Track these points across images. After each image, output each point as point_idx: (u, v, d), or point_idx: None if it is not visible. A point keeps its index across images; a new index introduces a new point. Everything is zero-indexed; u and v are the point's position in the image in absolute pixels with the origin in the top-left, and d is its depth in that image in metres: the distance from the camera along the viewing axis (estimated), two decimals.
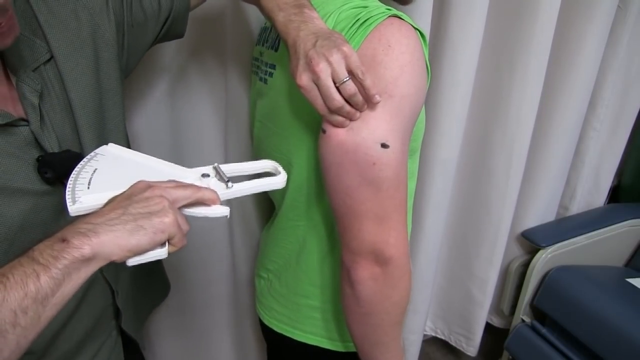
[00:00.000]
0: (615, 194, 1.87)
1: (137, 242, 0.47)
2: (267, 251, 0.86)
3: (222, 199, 0.56)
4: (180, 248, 0.52)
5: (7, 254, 0.56)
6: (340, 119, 0.57)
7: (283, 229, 0.80)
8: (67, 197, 0.51)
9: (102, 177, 0.55)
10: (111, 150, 0.61)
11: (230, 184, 0.57)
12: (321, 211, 0.73)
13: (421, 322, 1.57)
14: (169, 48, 1.02)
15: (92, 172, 0.56)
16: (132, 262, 0.49)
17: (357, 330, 0.68)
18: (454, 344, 1.70)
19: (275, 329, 0.83)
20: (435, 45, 1.26)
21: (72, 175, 0.54)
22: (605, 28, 1.40)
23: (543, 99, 1.38)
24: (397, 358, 0.70)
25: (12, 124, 0.56)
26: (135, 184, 0.53)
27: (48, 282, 0.43)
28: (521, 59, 1.28)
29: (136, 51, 0.76)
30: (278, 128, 0.73)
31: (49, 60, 0.61)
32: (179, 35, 0.84)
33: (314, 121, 0.65)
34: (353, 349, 0.73)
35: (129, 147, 0.73)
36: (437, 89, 1.28)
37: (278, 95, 0.71)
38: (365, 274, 0.62)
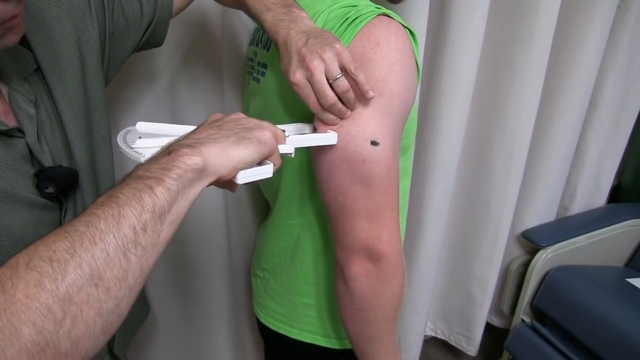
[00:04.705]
0: (615, 194, 1.87)
1: (245, 151, 0.45)
2: (263, 250, 0.87)
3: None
4: (277, 166, 0.50)
5: None
6: (331, 117, 0.58)
7: (277, 227, 0.81)
8: (133, 155, 0.49)
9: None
10: (142, 127, 0.58)
11: (286, 132, 0.56)
12: (314, 209, 0.74)
13: (422, 323, 1.57)
14: (161, 54, 1.02)
15: (138, 137, 0.54)
16: (242, 178, 0.46)
17: (352, 326, 0.68)
18: (454, 344, 1.70)
19: (272, 327, 0.84)
20: (436, 45, 1.26)
21: (120, 142, 0.52)
22: (606, 28, 1.40)
23: (543, 99, 1.38)
24: (392, 354, 0.70)
25: (9, 135, 0.53)
26: (210, 116, 0.51)
27: (164, 194, 0.39)
28: (521, 59, 1.29)
29: (116, 60, 0.73)
30: None
31: (35, 70, 0.58)
32: (159, 44, 0.81)
33: (306, 119, 0.65)
34: (349, 346, 0.73)
35: (113, 160, 0.72)
36: (438, 90, 1.28)
37: (270, 94, 0.72)
38: (358, 270, 0.62)
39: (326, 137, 0.59)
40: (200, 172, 0.42)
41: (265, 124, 0.51)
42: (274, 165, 0.50)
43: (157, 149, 0.49)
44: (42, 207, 0.57)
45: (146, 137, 0.54)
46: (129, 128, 0.57)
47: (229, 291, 1.30)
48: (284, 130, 0.56)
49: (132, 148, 0.51)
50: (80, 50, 0.63)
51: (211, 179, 0.44)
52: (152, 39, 0.78)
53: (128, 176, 0.41)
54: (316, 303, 0.78)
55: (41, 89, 0.59)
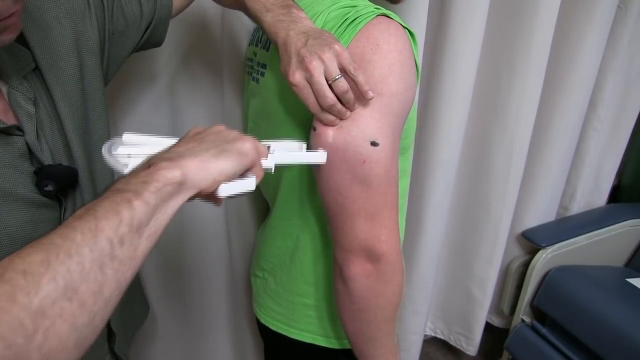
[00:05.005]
0: (615, 194, 1.86)
1: (226, 163, 0.45)
2: (262, 250, 0.86)
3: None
4: (259, 179, 0.50)
5: None
6: (331, 117, 0.58)
7: (277, 227, 0.81)
8: (113, 164, 0.49)
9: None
10: (128, 138, 0.57)
11: (271, 149, 0.55)
12: (314, 210, 0.74)
13: (422, 323, 1.57)
14: (161, 54, 1.02)
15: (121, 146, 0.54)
16: (223, 191, 0.46)
17: (351, 326, 0.68)
18: (453, 344, 1.70)
19: (271, 327, 0.84)
20: (435, 45, 1.26)
21: (104, 152, 0.51)
22: (605, 28, 1.40)
23: (543, 98, 1.38)
24: (391, 354, 0.70)
25: (8, 132, 0.54)
26: (192, 128, 0.51)
27: (142, 207, 0.39)
28: (521, 59, 1.29)
29: (116, 60, 0.73)
30: (270, 127, 0.74)
31: (34, 69, 0.59)
32: (158, 44, 0.81)
33: (305, 120, 0.65)
34: (348, 346, 0.73)
35: None
36: (437, 89, 1.28)
37: (269, 95, 0.72)
38: (357, 270, 0.62)
39: (314, 156, 0.58)
40: (180, 185, 0.42)
41: (247, 136, 0.50)
42: (256, 177, 0.49)
43: (137, 157, 0.49)
44: (41, 205, 0.57)
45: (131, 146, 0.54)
46: (115, 139, 0.57)
47: (229, 291, 1.30)
48: (269, 147, 0.55)
49: (113, 156, 0.51)
50: (79, 50, 0.63)
51: (191, 192, 0.44)
52: (151, 39, 0.78)
53: (108, 189, 0.41)
54: (315, 303, 0.78)
55: (40, 88, 0.59)
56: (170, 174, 0.41)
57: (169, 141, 0.55)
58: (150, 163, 0.42)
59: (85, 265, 0.35)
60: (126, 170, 0.47)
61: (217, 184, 0.45)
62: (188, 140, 0.48)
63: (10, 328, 0.31)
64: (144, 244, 0.40)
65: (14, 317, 0.31)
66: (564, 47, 1.39)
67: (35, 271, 0.33)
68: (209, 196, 0.47)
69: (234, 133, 0.49)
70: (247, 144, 0.48)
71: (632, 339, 1.25)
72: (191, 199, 0.44)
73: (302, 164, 0.59)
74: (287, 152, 0.58)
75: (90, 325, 0.36)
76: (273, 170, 0.54)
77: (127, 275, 0.39)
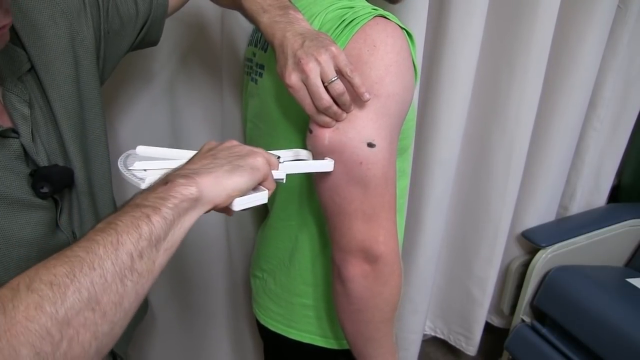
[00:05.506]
0: (616, 194, 1.86)
1: (240, 179, 0.47)
2: (262, 251, 0.87)
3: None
4: (272, 192, 0.52)
5: (6, 271, 0.54)
6: (327, 119, 0.58)
7: (276, 228, 0.81)
8: (130, 179, 0.50)
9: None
10: (142, 150, 0.59)
11: (281, 159, 0.57)
12: (312, 210, 0.74)
13: (421, 322, 1.57)
14: (160, 54, 1.02)
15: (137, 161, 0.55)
16: (237, 205, 0.48)
17: (349, 327, 0.69)
18: (453, 344, 1.70)
19: (270, 328, 0.84)
20: (435, 45, 1.26)
21: (120, 165, 0.53)
22: (605, 28, 1.40)
23: (543, 98, 1.38)
24: (390, 354, 0.70)
25: (3, 135, 0.54)
26: (205, 144, 0.53)
27: (160, 222, 0.41)
28: (520, 59, 1.28)
29: (111, 60, 0.73)
30: (268, 128, 0.74)
31: (29, 70, 0.59)
32: (154, 43, 0.81)
33: (302, 121, 0.66)
34: (347, 346, 0.73)
35: (109, 160, 0.72)
36: (437, 89, 1.28)
37: (267, 96, 0.71)
38: (355, 271, 0.63)
39: (322, 165, 0.59)
40: (196, 201, 0.44)
41: (259, 150, 0.52)
42: (268, 190, 0.51)
43: (153, 171, 0.51)
44: (38, 207, 0.57)
45: (145, 160, 0.55)
46: (129, 152, 0.58)
47: (229, 291, 1.30)
48: (278, 157, 0.57)
49: (129, 170, 0.52)
50: (74, 50, 0.63)
51: (207, 207, 0.45)
52: (147, 38, 0.78)
53: (127, 204, 0.42)
54: (314, 304, 0.78)
55: (35, 89, 0.59)
56: (187, 190, 0.43)
57: (182, 153, 0.56)
58: (167, 180, 0.44)
59: (107, 278, 0.37)
60: (143, 185, 0.49)
61: (231, 199, 0.47)
62: (202, 157, 0.50)
63: (39, 336, 0.33)
64: (161, 257, 0.42)
65: (42, 326, 0.33)
66: (564, 47, 1.39)
67: (61, 282, 0.35)
68: (223, 209, 0.49)
69: (247, 148, 0.51)
70: (259, 159, 0.50)
71: (632, 339, 1.24)
72: (205, 212, 0.46)
73: (311, 172, 0.59)
74: (296, 161, 0.60)
75: (110, 334, 0.38)
76: (285, 180, 0.55)
77: (145, 287, 0.41)
